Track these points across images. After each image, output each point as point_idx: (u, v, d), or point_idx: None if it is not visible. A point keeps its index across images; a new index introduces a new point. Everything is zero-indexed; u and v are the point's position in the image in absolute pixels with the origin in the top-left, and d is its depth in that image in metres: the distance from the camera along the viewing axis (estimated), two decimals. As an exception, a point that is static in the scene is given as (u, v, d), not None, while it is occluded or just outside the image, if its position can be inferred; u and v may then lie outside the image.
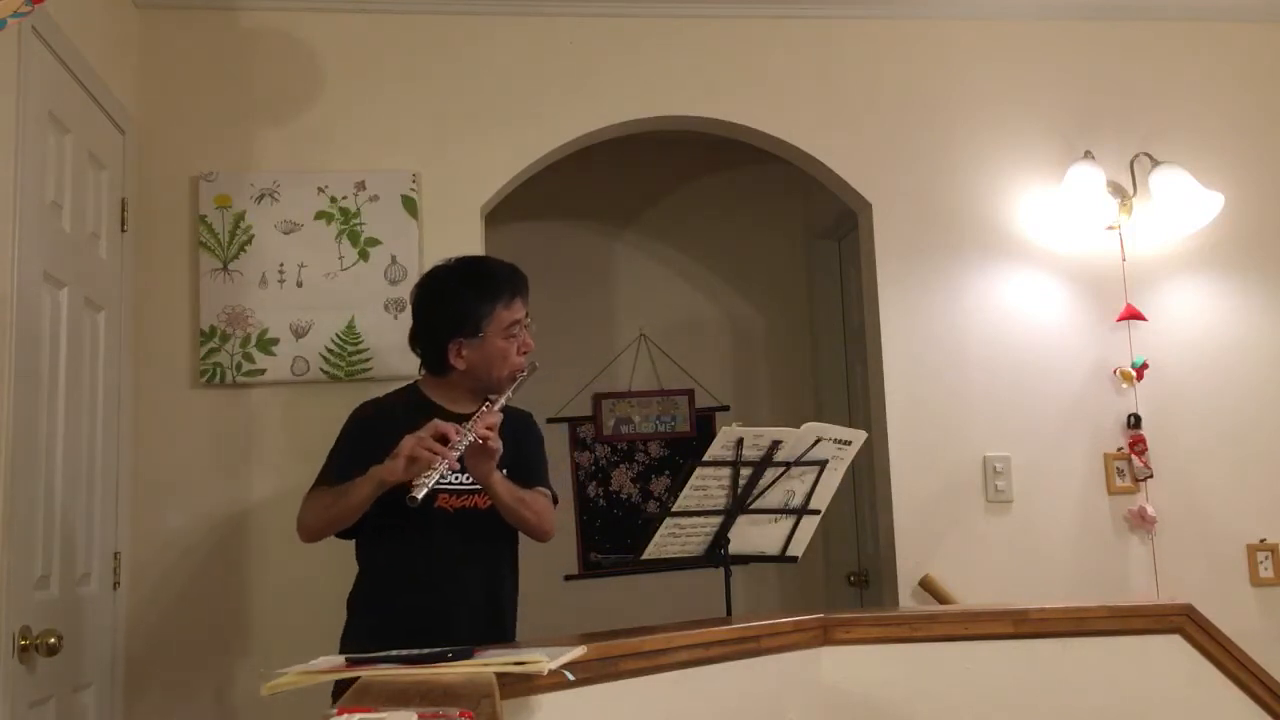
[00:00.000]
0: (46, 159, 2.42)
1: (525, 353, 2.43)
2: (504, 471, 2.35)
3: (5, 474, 2.17)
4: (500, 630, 2.38)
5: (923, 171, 3.43)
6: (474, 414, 2.29)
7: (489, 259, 2.59)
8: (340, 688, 2.17)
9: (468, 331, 2.37)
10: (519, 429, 2.51)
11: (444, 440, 2.16)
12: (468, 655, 1.60)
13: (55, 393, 2.47)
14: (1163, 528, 3.33)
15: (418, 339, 2.47)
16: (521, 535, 2.46)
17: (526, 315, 2.45)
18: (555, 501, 2.50)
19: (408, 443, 2.15)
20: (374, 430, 2.35)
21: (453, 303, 2.40)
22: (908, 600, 3.25)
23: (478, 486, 2.32)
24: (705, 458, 2.46)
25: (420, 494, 2.07)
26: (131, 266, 3.01)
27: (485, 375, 2.39)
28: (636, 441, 4.57)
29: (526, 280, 2.49)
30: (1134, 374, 3.36)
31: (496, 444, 2.21)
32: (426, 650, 1.66)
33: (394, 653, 1.64)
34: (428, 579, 2.34)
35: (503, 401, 2.33)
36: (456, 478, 2.31)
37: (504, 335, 2.39)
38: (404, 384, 2.57)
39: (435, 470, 2.10)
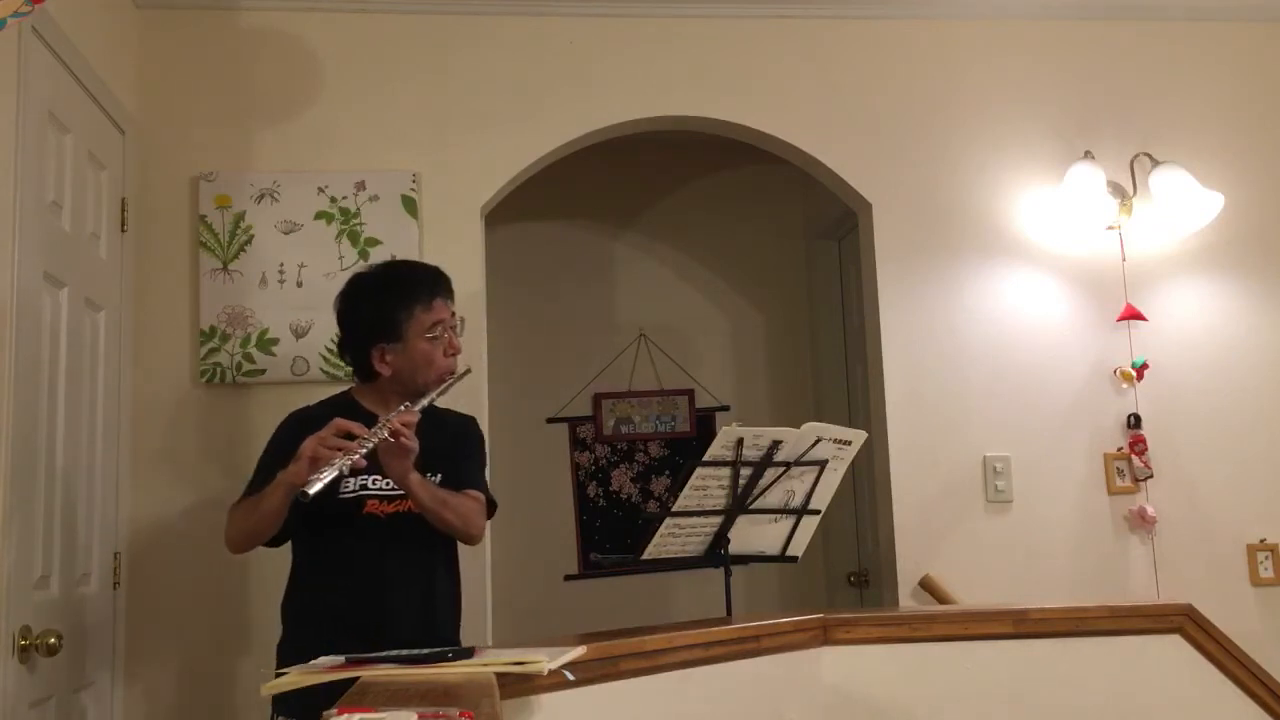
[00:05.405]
0: (46, 159, 2.42)
1: (452, 354, 2.39)
2: (438, 476, 2.32)
3: (5, 474, 2.17)
4: (437, 635, 2.32)
5: (923, 171, 3.42)
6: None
7: (409, 262, 2.55)
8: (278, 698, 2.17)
9: (389, 336, 2.34)
10: (458, 432, 2.48)
11: (350, 437, 2.11)
12: (468, 655, 1.61)
13: (55, 393, 2.47)
14: (1163, 528, 3.33)
15: (344, 347, 2.44)
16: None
17: (453, 316, 2.41)
18: (492, 505, 2.45)
19: (308, 444, 2.11)
20: (299, 439, 2.28)
21: (371, 308, 2.37)
22: (908, 600, 3.25)
23: None
24: (705, 458, 2.46)
25: (312, 489, 1.99)
26: (131, 266, 3.01)
27: (411, 380, 2.35)
28: (636, 441, 4.57)
29: (448, 281, 2.45)
30: (1134, 374, 3.35)
31: (411, 442, 2.15)
32: (426, 650, 1.67)
33: (394, 653, 1.64)
34: (360, 586, 2.30)
35: (424, 403, 2.27)
36: (388, 483, 2.28)
37: (426, 338, 2.35)
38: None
39: (333, 466, 2.03)
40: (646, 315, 4.59)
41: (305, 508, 2.24)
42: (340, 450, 2.07)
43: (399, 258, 3.10)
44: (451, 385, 2.36)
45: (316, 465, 2.06)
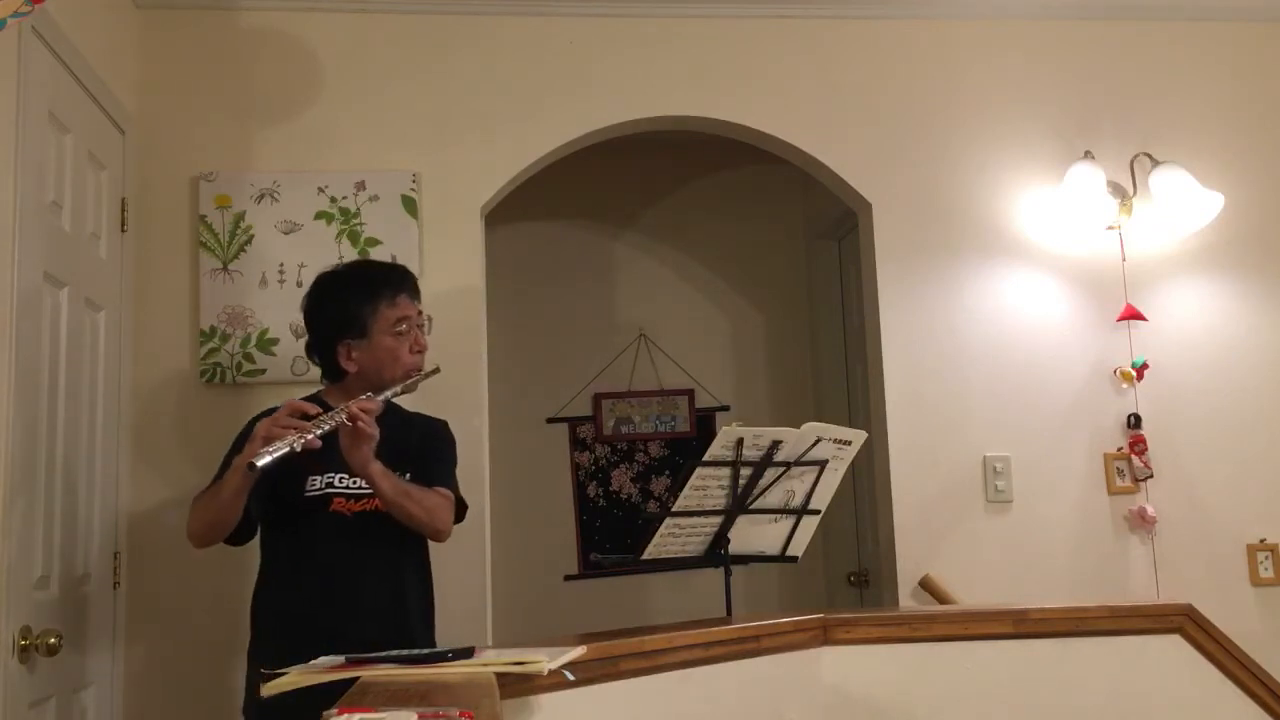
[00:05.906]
0: (46, 159, 2.42)
1: (418, 351, 2.40)
2: (406, 476, 2.31)
3: (5, 474, 2.17)
4: (406, 635, 2.29)
5: (923, 171, 3.42)
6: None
7: (373, 260, 2.60)
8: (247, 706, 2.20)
9: (354, 333, 2.36)
10: (427, 434, 2.48)
11: (306, 419, 2.11)
12: (468, 655, 1.61)
13: (55, 393, 2.47)
14: (1163, 528, 3.33)
15: (312, 347, 2.45)
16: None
17: (420, 314, 2.43)
18: (463, 506, 2.44)
19: (262, 425, 2.12)
20: None
21: (336, 305, 2.39)
22: (908, 600, 3.25)
23: None
24: (705, 458, 2.46)
25: (260, 462, 1.99)
26: (131, 266, 3.01)
27: (378, 376, 2.35)
28: (636, 441, 4.57)
29: (414, 280, 2.48)
30: (1134, 374, 3.35)
31: (370, 429, 2.15)
32: (426, 650, 1.66)
33: (394, 653, 1.64)
34: (327, 585, 2.30)
35: (387, 394, 2.28)
36: (355, 482, 2.28)
37: (391, 333, 2.36)
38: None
39: (285, 443, 2.02)
40: (646, 315, 4.59)
41: (271, 505, 2.24)
42: (294, 429, 2.07)
43: (397, 258, 3.11)
44: (419, 382, 2.37)
45: (269, 445, 2.06)
